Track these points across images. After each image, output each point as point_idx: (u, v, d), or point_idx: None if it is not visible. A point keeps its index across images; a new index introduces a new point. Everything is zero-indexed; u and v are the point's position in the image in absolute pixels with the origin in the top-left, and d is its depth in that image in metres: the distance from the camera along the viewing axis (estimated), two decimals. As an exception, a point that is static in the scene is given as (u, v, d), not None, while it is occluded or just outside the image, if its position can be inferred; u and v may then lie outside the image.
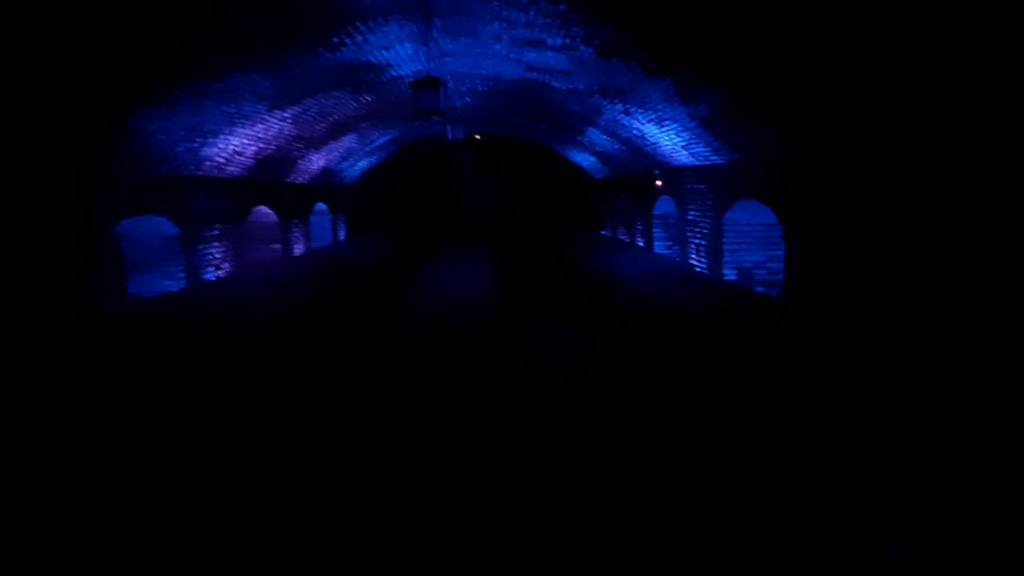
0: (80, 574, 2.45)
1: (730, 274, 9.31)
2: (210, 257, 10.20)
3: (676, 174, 10.96)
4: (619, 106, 9.26)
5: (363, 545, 2.55)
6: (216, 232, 10.36)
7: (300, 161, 12.62)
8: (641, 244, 14.14)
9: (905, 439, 3.63)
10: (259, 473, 3.38)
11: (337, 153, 14.01)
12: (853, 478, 3.20)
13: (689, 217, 10.63)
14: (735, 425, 3.96)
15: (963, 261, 4.51)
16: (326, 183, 16.00)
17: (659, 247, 13.20)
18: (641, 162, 12.18)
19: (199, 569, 2.41)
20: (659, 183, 12.00)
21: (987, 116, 4.12)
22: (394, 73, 8.85)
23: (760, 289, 8.95)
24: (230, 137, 9.03)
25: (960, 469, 3.15)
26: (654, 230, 13.19)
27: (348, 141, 13.39)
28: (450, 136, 12.85)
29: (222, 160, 9.68)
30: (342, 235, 18.58)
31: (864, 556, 2.41)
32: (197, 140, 8.39)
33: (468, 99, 11.66)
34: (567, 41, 6.93)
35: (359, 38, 6.91)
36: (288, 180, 13.24)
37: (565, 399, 4.49)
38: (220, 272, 10.55)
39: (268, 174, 11.88)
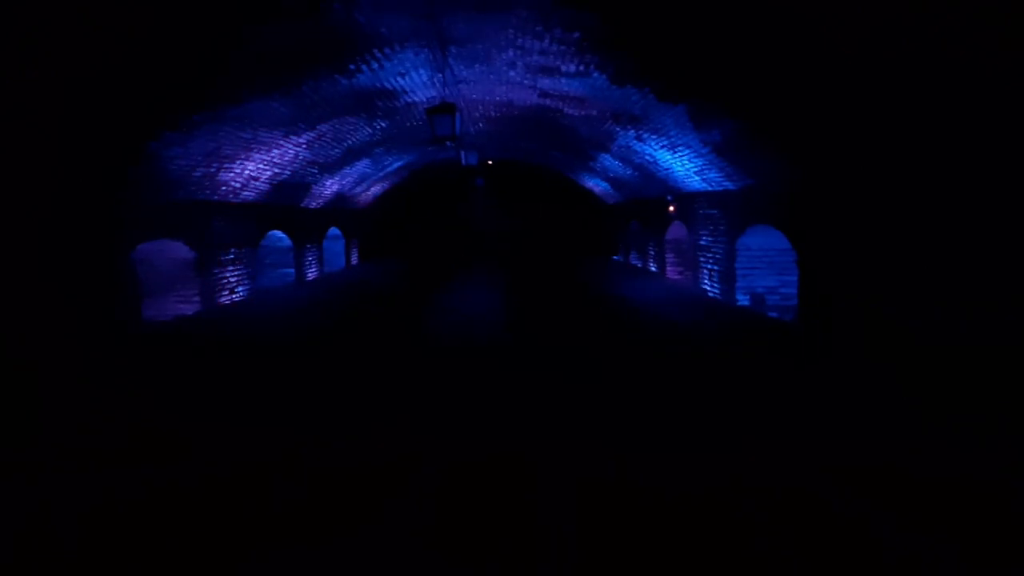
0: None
1: (743, 299, 9.24)
2: (225, 281, 10.26)
3: (689, 200, 10.96)
4: (632, 132, 9.30)
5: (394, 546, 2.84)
6: (231, 256, 10.44)
7: (314, 186, 12.74)
8: (654, 269, 14.09)
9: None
10: (286, 480, 3.55)
11: (351, 178, 14.15)
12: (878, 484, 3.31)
13: (702, 243, 10.59)
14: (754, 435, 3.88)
15: (982, 279, 4.44)
16: (339, 208, 16.13)
17: (671, 272, 13.15)
18: (654, 188, 12.20)
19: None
20: (672, 208, 12.00)
21: (992, 131, 4.09)
22: (408, 99, 8.96)
23: (773, 314, 8.86)
24: (246, 162, 9.15)
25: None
26: (666, 255, 13.16)
27: (362, 166, 13.53)
28: (464, 162, 12.95)
29: (238, 185, 9.79)
30: (355, 260, 18.67)
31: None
32: (214, 165, 8.50)
33: (481, 125, 11.78)
34: (581, 68, 6.99)
35: (375, 65, 7.01)
36: (302, 205, 13.37)
37: (584, 419, 4.43)
38: (234, 296, 10.60)
39: (282, 199, 12.00)
